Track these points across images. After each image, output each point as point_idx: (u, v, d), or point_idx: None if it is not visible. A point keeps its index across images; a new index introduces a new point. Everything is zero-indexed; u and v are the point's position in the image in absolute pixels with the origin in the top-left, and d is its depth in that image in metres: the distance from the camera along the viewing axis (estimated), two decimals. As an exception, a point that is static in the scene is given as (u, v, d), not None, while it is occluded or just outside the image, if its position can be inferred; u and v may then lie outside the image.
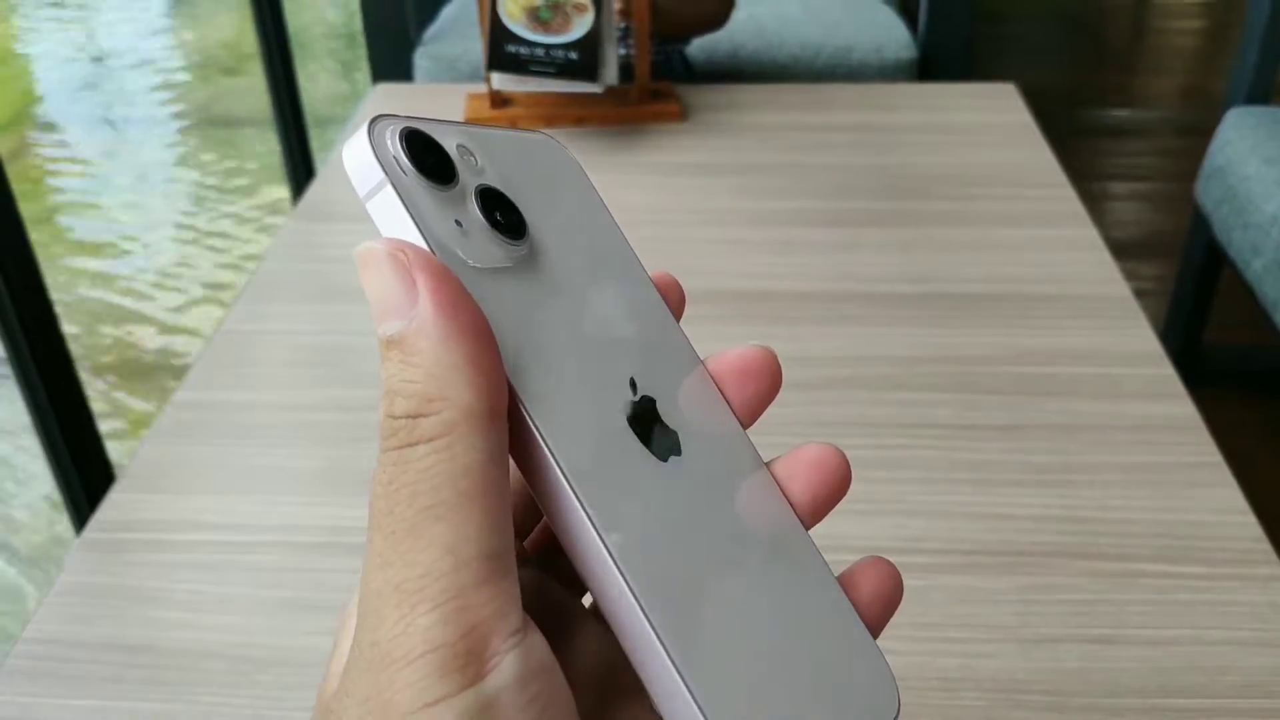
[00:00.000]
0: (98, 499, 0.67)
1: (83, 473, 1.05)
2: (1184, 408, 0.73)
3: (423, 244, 0.19)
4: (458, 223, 0.20)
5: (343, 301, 0.87)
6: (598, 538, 0.19)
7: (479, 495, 0.17)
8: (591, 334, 0.22)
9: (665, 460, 0.21)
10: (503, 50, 1.10)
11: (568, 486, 0.19)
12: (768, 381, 0.24)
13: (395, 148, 0.20)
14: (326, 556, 0.62)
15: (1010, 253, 0.91)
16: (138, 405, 1.81)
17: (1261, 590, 0.60)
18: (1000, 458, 0.69)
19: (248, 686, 0.55)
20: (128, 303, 2.06)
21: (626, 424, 0.21)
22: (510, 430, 0.19)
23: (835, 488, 0.23)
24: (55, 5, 3.62)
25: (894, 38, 1.67)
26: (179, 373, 1.87)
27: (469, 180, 0.21)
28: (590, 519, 0.19)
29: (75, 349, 1.13)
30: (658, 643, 0.18)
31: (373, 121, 0.20)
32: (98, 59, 3.30)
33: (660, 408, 0.22)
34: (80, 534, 0.65)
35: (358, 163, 0.20)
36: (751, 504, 0.22)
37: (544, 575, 0.23)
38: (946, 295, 0.86)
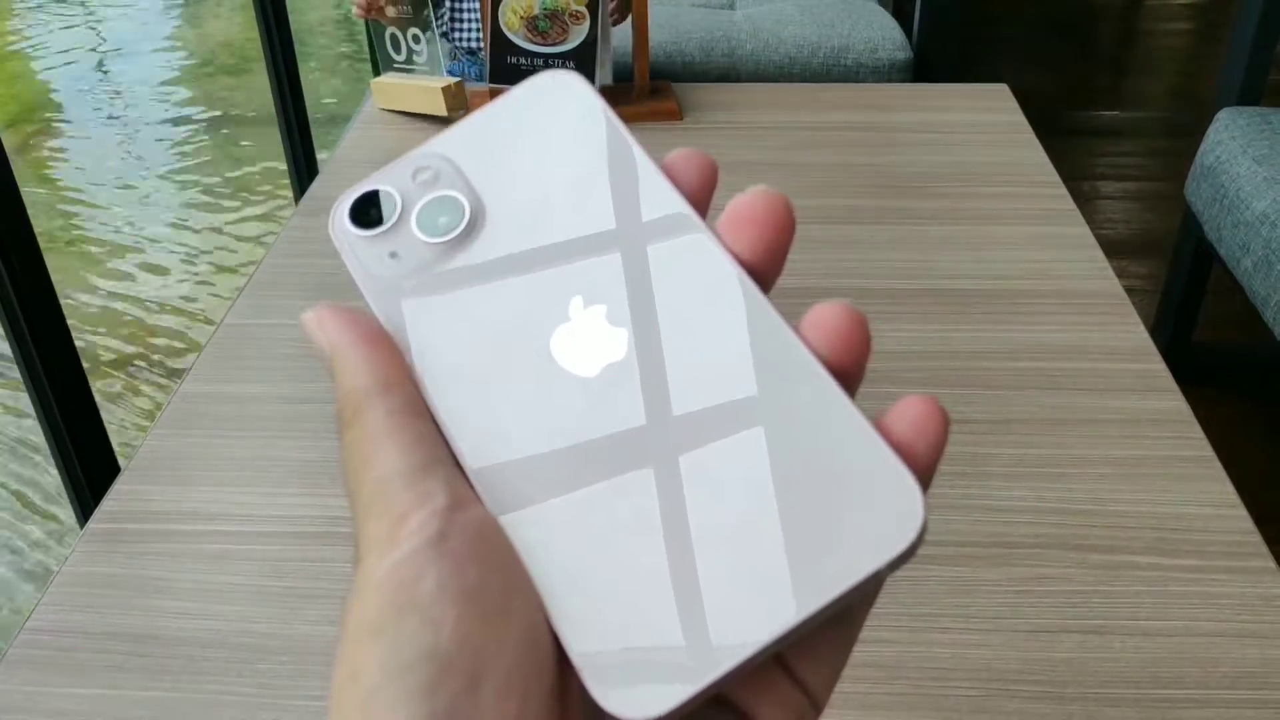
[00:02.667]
0: (102, 490, 0.68)
1: (87, 464, 1.05)
2: (1175, 402, 0.73)
3: (366, 288, 0.25)
4: (392, 254, 0.25)
5: (344, 297, 0.86)
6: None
7: (386, 437, 0.22)
8: (533, 280, 0.24)
9: (596, 374, 0.23)
10: (504, 62, 1.14)
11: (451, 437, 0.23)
12: (770, 224, 0.23)
13: (343, 218, 0.26)
14: (327, 546, 0.63)
15: (1003, 250, 0.92)
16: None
17: (1252, 582, 0.60)
18: (993, 451, 0.70)
19: (250, 675, 0.56)
20: (129, 297, 2.06)
21: (548, 354, 0.23)
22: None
23: (846, 343, 0.22)
24: (62, 14, 3.61)
25: (889, 38, 1.68)
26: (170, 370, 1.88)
27: (413, 202, 0.26)
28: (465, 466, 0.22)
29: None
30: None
31: (339, 202, 0.26)
32: (102, 57, 3.29)
33: (609, 314, 0.23)
34: (85, 525, 0.65)
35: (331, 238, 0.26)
36: (723, 366, 0.22)
37: None
38: (940, 291, 0.87)
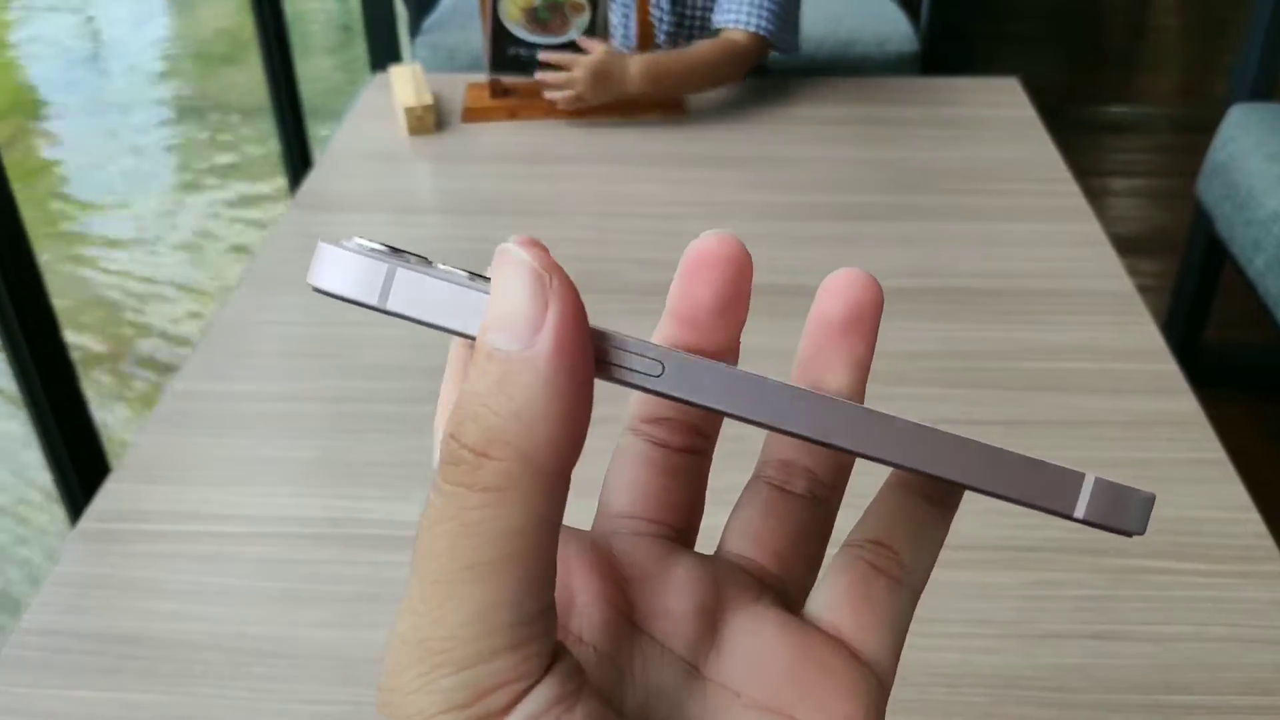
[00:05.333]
0: (93, 489, 0.67)
1: (78, 463, 1.05)
2: (1187, 404, 0.72)
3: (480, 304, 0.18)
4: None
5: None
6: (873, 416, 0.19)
7: (522, 559, 0.16)
8: None
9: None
10: (504, 52, 1.14)
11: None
12: (729, 265, 0.21)
13: (369, 247, 0.19)
14: (323, 548, 0.62)
15: (1013, 247, 0.91)
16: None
17: (1264, 587, 0.59)
18: (1002, 453, 0.68)
19: (244, 678, 0.55)
20: (118, 290, 2.05)
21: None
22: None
23: (862, 298, 0.22)
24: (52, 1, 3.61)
25: (897, 31, 1.67)
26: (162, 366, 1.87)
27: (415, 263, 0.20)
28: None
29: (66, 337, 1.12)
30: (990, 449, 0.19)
31: (324, 244, 0.19)
32: (94, 46, 3.29)
33: None
34: (76, 524, 0.65)
35: (350, 270, 0.19)
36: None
37: (635, 538, 0.22)
38: (949, 290, 0.86)
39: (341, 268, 0.18)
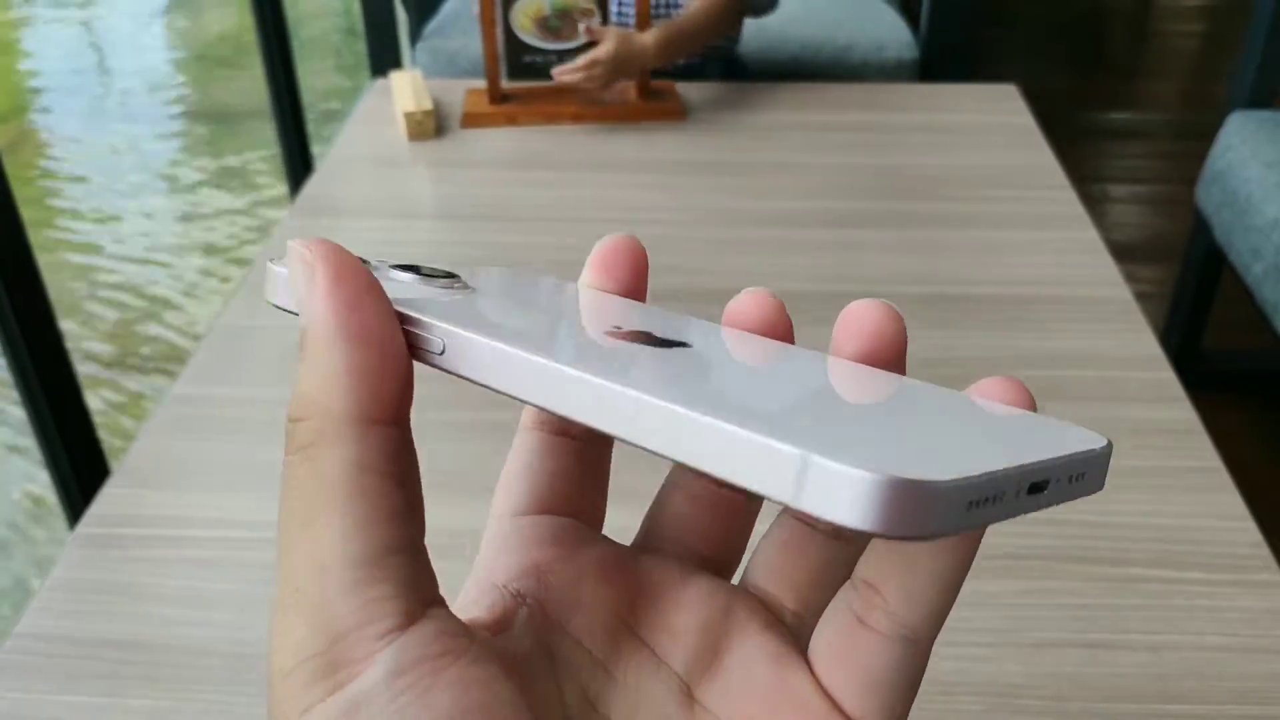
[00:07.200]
0: (92, 493, 0.67)
1: (77, 467, 1.05)
2: (1184, 412, 0.72)
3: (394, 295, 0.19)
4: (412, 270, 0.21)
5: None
6: (613, 385, 0.17)
7: (342, 503, 0.17)
8: (563, 317, 0.23)
9: (687, 355, 0.21)
10: (520, 61, 1.17)
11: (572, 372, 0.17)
12: (632, 262, 0.23)
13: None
14: (322, 554, 0.62)
15: (1011, 254, 0.91)
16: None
17: (1259, 596, 0.59)
18: (999, 461, 0.68)
19: (242, 684, 0.55)
20: (117, 294, 2.05)
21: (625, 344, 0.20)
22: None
23: (880, 338, 0.20)
24: (54, 2, 3.62)
25: (895, 37, 1.67)
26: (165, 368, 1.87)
27: (382, 267, 0.22)
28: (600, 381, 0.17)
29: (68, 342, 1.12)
30: (698, 416, 0.15)
31: (272, 264, 0.21)
32: (97, 49, 3.29)
33: (658, 334, 0.21)
34: (74, 529, 0.65)
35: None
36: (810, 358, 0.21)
37: (663, 558, 0.22)
38: (946, 297, 0.86)
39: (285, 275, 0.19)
